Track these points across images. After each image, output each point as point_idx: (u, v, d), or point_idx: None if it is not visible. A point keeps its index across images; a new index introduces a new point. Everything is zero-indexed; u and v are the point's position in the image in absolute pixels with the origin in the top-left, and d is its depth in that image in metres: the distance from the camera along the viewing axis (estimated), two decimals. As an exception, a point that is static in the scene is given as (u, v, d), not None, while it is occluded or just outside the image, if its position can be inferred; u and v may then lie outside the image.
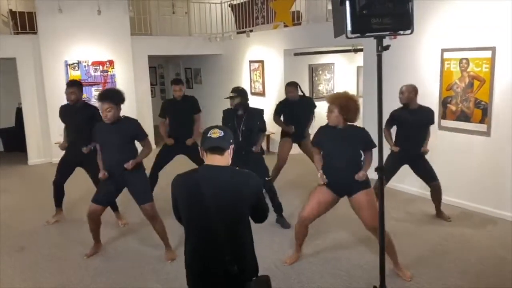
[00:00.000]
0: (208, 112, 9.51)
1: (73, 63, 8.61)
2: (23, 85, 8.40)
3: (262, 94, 9.31)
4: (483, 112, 5.11)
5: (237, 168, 2.26)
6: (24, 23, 8.52)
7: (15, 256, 4.46)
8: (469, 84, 5.21)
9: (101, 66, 8.87)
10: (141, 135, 4.27)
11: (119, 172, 4.09)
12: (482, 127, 5.14)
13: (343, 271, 3.97)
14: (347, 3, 2.24)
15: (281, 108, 6.12)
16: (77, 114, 4.97)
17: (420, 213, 5.32)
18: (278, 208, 5.10)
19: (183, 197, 2.25)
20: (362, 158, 3.73)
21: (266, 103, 9.10)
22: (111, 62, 8.94)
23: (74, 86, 5.01)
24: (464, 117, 5.31)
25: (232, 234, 2.16)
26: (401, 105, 4.84)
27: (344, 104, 3.56)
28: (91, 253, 4.40)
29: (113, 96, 4.05)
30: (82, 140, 4.86)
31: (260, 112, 5.16)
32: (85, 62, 8.72)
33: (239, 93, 4.97)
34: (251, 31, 9.44)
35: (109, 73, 8.76)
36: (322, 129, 3.82)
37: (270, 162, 7.76)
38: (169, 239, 4.34)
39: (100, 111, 4.11)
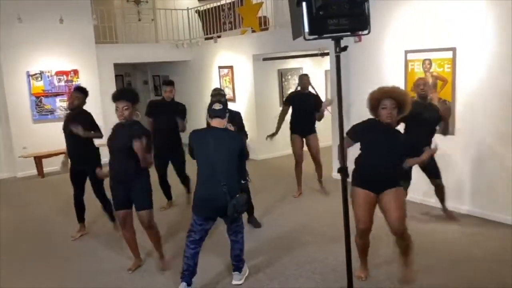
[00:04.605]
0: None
1: (36, 74, 8.35)
2: (-17, 97, 8.08)
3: (232, 99, 9.26)
4: (447, 111, 5.20)
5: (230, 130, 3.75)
6: (-18, 33, 8.22)
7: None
8: (433, 84, 5.31)
9: (65, 76, 8.64)
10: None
11: (124, 176, 3.88)
12: (447, 126, 5.23)
13: (317, 274, 3.95)
14: (304, 4, 2.23)
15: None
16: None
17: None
18: (250, 209, 5.16)
19: (197, 145, 3.56)
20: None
21: (237, 109, 9.06)
22: (75, 72, 8.71)
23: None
24: (429, 116, 5.39)
25: (224, 168, 3.43)
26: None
27: (403, 100, 3.29)
28: (134, 268, 4.18)
29: (129, 95, 3.87)
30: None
31: (239, 114, 5.15)
32: (48, 72, 8.47)
33: (224, 95, 5.15)
34: (219, 37, 9.40)
35: (73, 83, 8.51)
36: (365, 124, 3.52)
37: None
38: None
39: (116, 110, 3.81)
